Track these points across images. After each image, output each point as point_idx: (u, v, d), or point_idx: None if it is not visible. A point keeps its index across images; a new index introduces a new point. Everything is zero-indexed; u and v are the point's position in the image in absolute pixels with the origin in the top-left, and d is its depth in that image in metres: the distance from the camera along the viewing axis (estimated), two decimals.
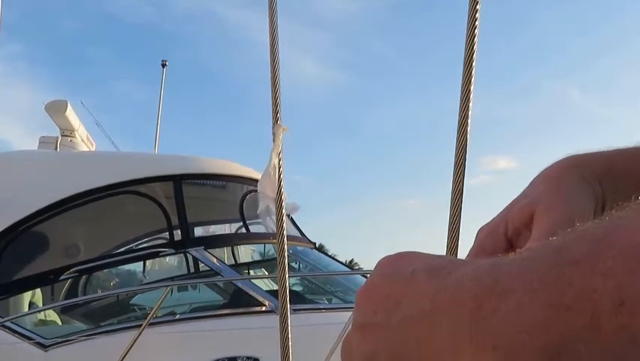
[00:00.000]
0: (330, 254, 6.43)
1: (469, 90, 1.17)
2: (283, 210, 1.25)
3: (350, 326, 0.36)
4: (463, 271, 0.31)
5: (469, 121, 1.17)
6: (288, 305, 1.22)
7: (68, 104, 5.46)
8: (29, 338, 3.65)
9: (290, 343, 1.20)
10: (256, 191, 4.89)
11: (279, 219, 1.26)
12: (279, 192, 1.24)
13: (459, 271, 0.31)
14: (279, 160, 1.23)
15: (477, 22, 1.17)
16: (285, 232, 1.26)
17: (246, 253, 5.71)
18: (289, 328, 1.20)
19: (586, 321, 0.25)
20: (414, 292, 0.32)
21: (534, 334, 0.26)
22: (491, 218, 0.54)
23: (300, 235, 4.84)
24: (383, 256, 0.37)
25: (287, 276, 1.22)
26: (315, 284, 4.86)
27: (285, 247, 1.24)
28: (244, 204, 4.79)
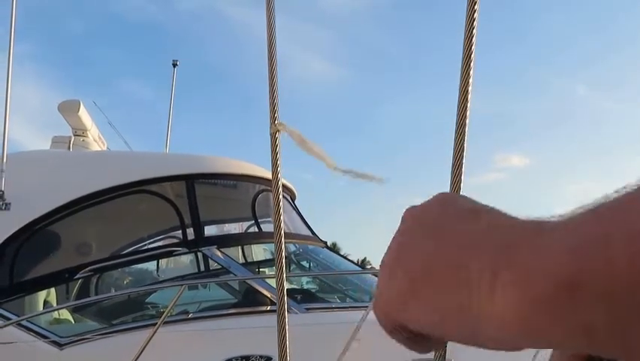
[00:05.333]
0: (342, 253, 6.43)
1: (467, 91, 1.16)
2: (281, 210, 1.25)
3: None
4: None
5: (467, 121, 1.16)
6: (286, 305, 1.22)
7: (81, 104, 5.49)
8: (45, 337, 3.69)
9: (287, 343, 1.20)
10: (267, 190, 4.88)
11: (277, 219, 1.26)
12: (277, 192, 1.24)
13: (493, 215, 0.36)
14: (277, 161, 1.23)
15: (475, 23, 1.15)
16: (282, 232, 1.25)
17: (258, 251, 5.72)
18: (287, 328, 1.20)
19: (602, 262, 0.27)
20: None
21: (557, 265, 0.29)
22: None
23: (310, 234, 4.84)
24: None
25: (284, 276, 1.22)
26: (328, 283, 4.86)
27: (283, 246, 1.24)
28: (256, 203, 4.80)
